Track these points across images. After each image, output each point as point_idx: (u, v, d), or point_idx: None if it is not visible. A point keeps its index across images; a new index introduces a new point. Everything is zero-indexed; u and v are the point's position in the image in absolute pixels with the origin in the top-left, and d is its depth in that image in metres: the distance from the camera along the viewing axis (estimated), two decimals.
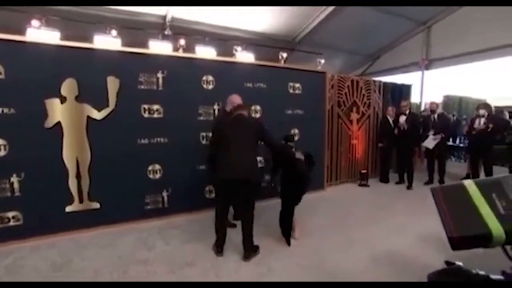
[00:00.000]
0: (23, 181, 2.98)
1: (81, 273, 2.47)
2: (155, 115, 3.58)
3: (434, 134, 5.35)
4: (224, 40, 5.09)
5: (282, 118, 4.47)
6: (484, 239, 1.15)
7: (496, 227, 1.13)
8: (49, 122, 3.05)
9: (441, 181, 5.46)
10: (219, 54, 4.40)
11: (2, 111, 2.87)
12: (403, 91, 6.59)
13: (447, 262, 1.33)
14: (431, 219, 2.69)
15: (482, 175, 5.14)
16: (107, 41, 3.60)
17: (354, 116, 5.63)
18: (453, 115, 8.29)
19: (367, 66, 9.25)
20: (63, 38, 3.33)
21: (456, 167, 6.47)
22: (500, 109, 6.91)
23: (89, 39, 3.52)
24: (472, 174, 5.28)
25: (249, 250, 2.71)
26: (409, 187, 5.25)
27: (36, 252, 2.82)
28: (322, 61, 5.07)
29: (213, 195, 3.89)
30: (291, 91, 4.62)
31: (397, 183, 5.51)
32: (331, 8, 6.09)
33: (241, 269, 2.55)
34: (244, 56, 4.57)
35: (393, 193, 5.02)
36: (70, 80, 3.10)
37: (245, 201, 2.74)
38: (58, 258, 2.70)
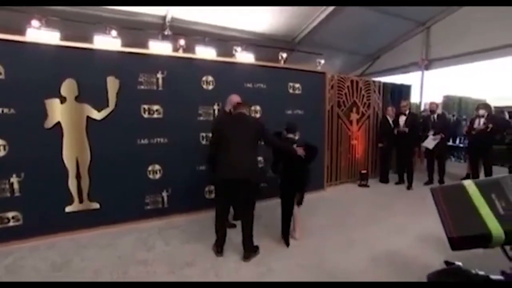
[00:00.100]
0: (23, 181, 2.98)
1: (81, 273, 2.47)
2: (155, 115, 3.58)
3: (434, 134, 5.35)
4: (224, 40, 5.08)
5: (282, 119, 4.41)
6: (483, 240, 1.15)
7: (495, 228, 1.13)
8: (49, 122, 3.05)
9: (441, 181, 5.46)
10: (219, 55, 4.39)
11: (2, 111, 2.87)
12: (403, 91, 6.59)
13: (446, 262, 1.34)
14: (431, 219, 2.69)
15: (482, 175, 5.15)
16: (107, 42, 3.60)
17: (354, 116, 5.63)
18: (453, 115, 8.27)
19: (367, 66, 9.25)
20: (63, 38, 3.32)
21: (456, 167, 6.46)
22: (500, 109, 6.91)
23: (89, 40, 3.51)
24: (472, 174, 5.28)
25: (249, 250, 2.72)
26: (409, 187, 5.25)
27: (36, 252, 2.82)
28: (322, 61, 5.07)
29: (213, 195, 3.89)
30: (291, 91, 4.62)
31: (397, 183, 5.51)
32: (331, 8, 6.08)
33: (241, 269, 2.55)
34: (244, 57, 4.56)
35: (393, 193, 5.02)
36: (70, 80, 3.10)
37: (245, 201, 2.74)
38: (58, 258, 2.71)
